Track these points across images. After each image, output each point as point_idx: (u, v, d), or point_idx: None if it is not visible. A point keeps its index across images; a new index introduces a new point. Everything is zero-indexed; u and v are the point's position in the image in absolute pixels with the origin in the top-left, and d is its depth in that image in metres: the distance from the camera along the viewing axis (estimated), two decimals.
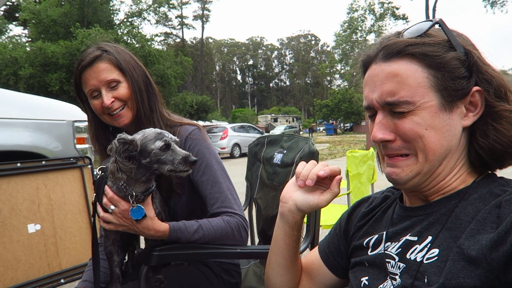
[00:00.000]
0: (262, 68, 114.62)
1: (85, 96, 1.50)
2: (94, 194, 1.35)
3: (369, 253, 0.95)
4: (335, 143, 25.14)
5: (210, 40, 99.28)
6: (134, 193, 1.27)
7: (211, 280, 1.52)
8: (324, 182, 1.00)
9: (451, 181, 0.86)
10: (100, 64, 1.42)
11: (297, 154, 1.68)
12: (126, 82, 1.45)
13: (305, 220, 1.76)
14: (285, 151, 1.81)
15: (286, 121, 51.80)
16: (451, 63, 0.81)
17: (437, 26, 0.85)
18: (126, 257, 1.67)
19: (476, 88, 0.82)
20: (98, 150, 1.59)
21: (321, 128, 55.52)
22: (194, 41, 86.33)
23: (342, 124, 53.04)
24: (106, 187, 1.31)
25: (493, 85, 0.81)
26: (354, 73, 55.61)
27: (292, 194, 1.02)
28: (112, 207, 1.28)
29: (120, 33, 26.31)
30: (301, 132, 45.16)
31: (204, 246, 1.39)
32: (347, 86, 56.44)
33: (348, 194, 3.72)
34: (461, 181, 0.86)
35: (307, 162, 1.73)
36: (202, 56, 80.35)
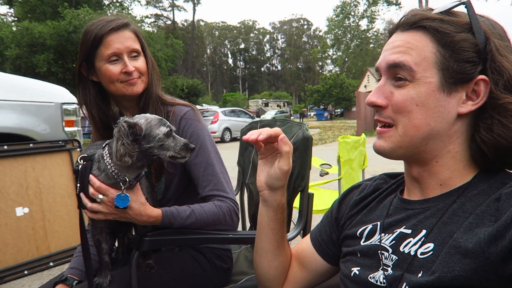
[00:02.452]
0: (254, 52, 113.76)
1: (89, 64, 1.45)
2: (78, 185, 1.26)
3: (361, 243, 0.94)
4: (325, 129, 25.21)
5: (202, 23, 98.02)
6: (127, 179, 1.23)
7: (203, 266, 1.51)
8: (273, 150, 1.01)
9: (445, 172, 0.84)
10: (126, 32, 1.44)
11: (291, 140, 1.67)
12: (143, 57, 1.49)
13: (297, 205, 1.76)
14: None
15: (277, 106, 51.62)
16: (459, 44, 0.79)
17: (464, 7, 0.82)
18: (116, 244, 1.65)
19: (482, 76, 0.79)
20: (90, 117, 1.52)
21: (312, 114, 55.57)
22: (185, 24, 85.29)
23: (333, 110, 53.15)
24: (91, 177, 1.24)
25: (504, 77, 0.77)
26: (346, 59, 55.68)
27: (261, 179, 1.04)
28: (101, 196, 1.22)
29: (109, 14, 25.81)
30: (292, 117, 45.16)
31: (196, 231, 1.38)
32: (338, 72, 56.47)
33: (339, 179, 3.74)
34: (460, 176, 0.83)
35: (301, 149, 1.71)
36: (193, 39, 79.38)
